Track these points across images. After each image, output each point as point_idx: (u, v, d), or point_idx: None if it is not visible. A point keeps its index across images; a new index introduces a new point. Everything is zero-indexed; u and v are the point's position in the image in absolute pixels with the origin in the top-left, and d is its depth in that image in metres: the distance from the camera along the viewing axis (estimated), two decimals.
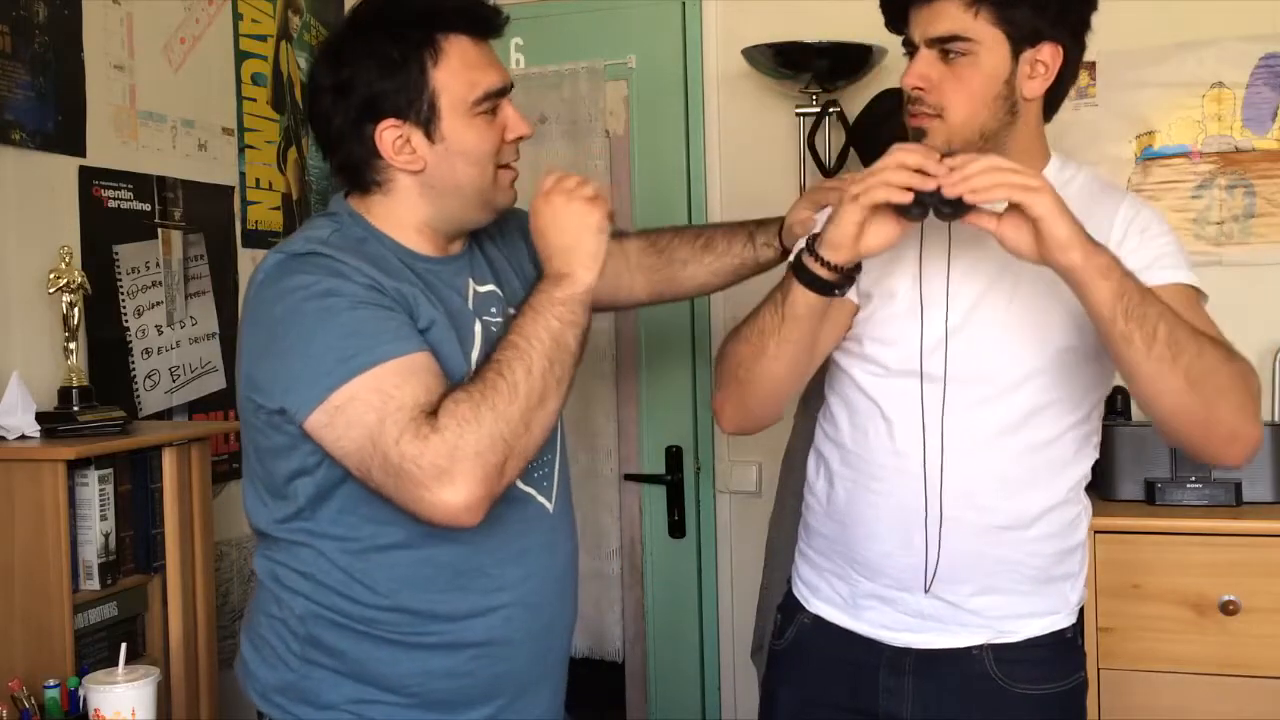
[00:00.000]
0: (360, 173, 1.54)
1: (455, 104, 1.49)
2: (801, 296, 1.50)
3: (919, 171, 1.39)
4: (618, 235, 1.96)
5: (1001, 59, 1.50)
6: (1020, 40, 1.50)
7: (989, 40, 1.49)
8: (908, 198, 1.39)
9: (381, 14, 1.50)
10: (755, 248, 1.89)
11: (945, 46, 1.51)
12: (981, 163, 1.37)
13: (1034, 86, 1.53)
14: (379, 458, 1.35)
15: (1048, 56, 1.52)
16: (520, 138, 1.55)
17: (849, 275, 1.49)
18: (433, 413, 1.35)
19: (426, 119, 1.48)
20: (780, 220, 1.85)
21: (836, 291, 1.50)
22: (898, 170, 1.40)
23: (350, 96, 1.49)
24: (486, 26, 1.53)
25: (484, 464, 1.35)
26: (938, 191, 1.38)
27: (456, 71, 1.48)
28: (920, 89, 1.52)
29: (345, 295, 1.41)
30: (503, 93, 1.53)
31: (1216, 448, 1.46)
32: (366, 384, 1.36)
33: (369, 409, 1.35)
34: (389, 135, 1.49)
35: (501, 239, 1.70)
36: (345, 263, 1.43)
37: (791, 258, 1.54)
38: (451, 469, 1.33)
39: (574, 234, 1.47)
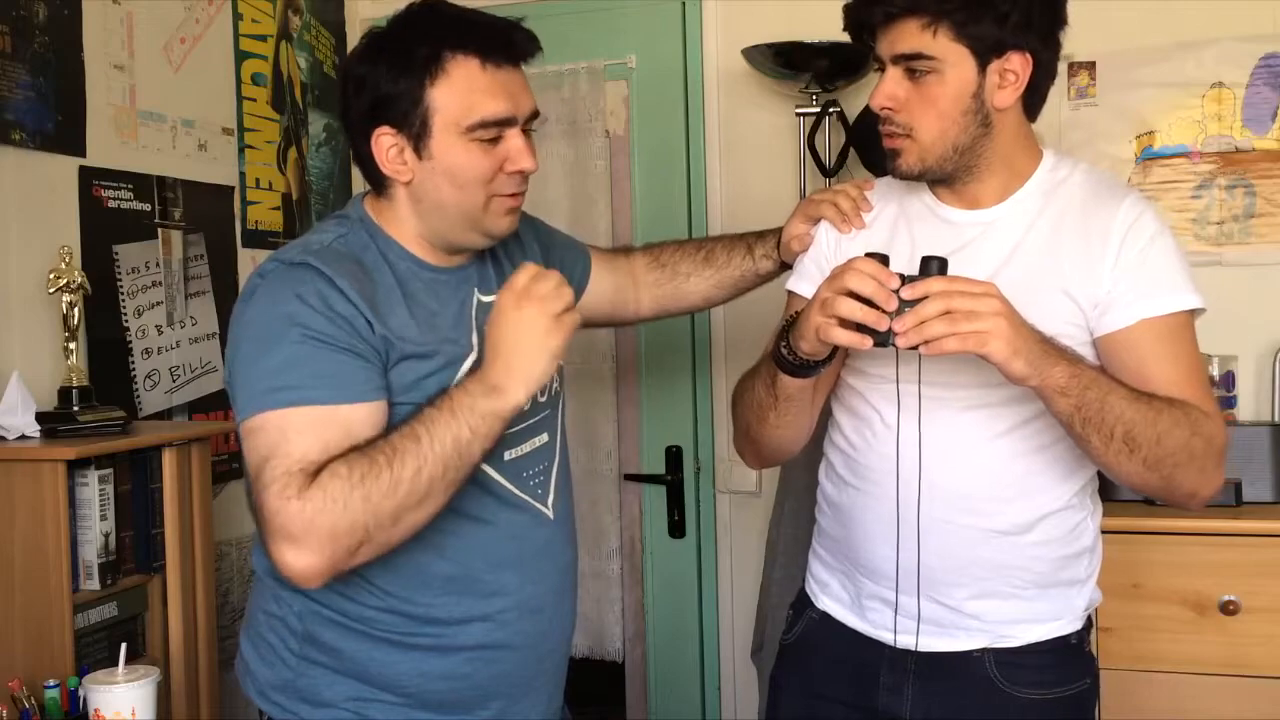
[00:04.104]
0: (368, 171, 1.55)
1: (448, 124, 1.47)
2: (789, 379, 1.52)
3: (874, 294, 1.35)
4: (623, 251, 1.96)
5: (967, 73, 1.48)
6: (985, 53, 1.48)
7: (952, 56, 1.48)
8: (867, 344, 1.36)
9: (408, 21, 1.51)
10: (754, 259, 1.88)
11: (909, 65, 1.49)
12: (934, 306, 1.32)
13: (1005, 96, 1.50)
14: (257, 490, 1.37)
15: (1017, 65, 1.49)
16: (520, 172, 1.52)
17: (828, 356, 1.48)
18: (316, 472, 1.34)
19: (418, 134, 1.48)
20: (778, 231, 1.85)
21: (821, 369, 1.51)
22: (850, 305, 1.35)
23: (362, 95, 1.50)
24: (501, 53, 1.49)
25: (335, 545, 1.33)
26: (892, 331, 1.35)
27: (457, 93, 1.47)
28: (889, 108, 1.52)
29: (302, 324, 1.40)
30: (508, 122, 1.49)
31: (1176, 502, 1.53)
32: (276, 420, 1.37)
33: (265, 445, 1.37)
34: (385, 141, 1.50)
35: (518, 249, 1.69)
36: (332, 280, 1.43)
37: (771, 348, 1.54)
38: (300, 539, 1.32)
39: (527, 353, 1.40)
